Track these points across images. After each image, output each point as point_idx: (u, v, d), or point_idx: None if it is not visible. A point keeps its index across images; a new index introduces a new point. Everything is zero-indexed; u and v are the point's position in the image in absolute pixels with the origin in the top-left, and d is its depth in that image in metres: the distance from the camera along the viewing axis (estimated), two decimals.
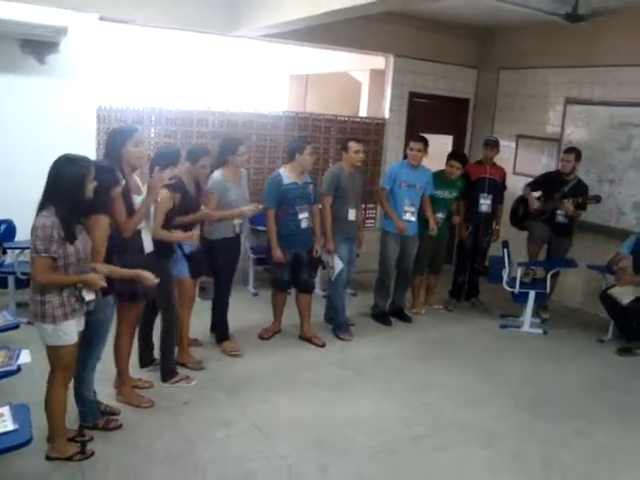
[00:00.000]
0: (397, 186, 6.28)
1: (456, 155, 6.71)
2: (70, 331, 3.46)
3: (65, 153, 3.45)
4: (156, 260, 4.31)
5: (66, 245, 3.34)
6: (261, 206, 5.29)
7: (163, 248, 4.46)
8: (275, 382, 4.95)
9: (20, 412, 2.91)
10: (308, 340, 5.87)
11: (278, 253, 5.50)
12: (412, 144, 6.32)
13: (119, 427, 4.07)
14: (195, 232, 4.80)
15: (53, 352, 3.50)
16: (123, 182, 3.85)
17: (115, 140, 4.13)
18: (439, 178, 6.62)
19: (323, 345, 5.81)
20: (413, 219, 6.34)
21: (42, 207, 3.35)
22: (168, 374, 4.79)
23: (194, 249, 4.87)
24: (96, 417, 4.06)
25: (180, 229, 4.75)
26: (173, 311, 4.70)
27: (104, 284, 3.50)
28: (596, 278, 6.72)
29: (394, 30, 7.79)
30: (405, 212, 6.28)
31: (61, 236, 3.31)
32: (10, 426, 2.78)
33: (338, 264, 5.88)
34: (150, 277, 3.90)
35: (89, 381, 4.01)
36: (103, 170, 3.59)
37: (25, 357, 3.41)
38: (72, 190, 3.35)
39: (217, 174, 5.12)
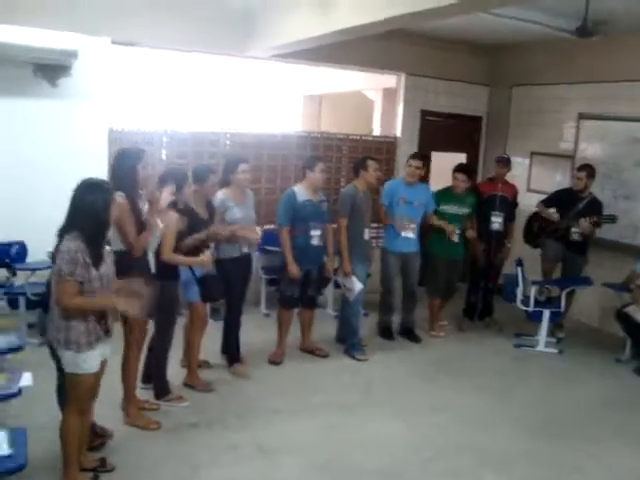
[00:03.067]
0: (395, 203, 6.25)
1: (460, 168, 6.60)
2: (91, 360, 3.40)
3: (87, 178, 3.42)
4: (161, 282, 4.33)
5: (90, 270, 3.30)
6: (259, 230, 5.26)
7: (169, 271, 4.47)
8: (285, 405, 4.89)
9: (17, 436, 2.89)
10: (310, 352, 5.95)
11: (294, 269, 5.47)
12: (411, 161, 6.32)
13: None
14: (207, 254, 4.80)
15: (70, 380, 3.45)
16: (120, 200, 3.83)
17: (124, 162, 4.17)
18: (447, 194, 6.57)
19: (325, 356, 5.91)
20: (412, 235, 6.29)
21: (65, 231, 3.32)
22: (161, 392, 4.78)
23: (205, 273, 4.88)
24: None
25: (190, 252, 4.78)
26: (169, 332, 4.69)
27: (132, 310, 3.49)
28: (612, 296, 6.61)
29: (405, 49, 7.79)
30: (404, 229, 6.25)
31: (86, 261, 3.28)
32: (5, 450, 2.76)
33: (357, 285, 5.83)
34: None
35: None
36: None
37: (27, 380, 3.39)
38: (98, 215, 3.33)
39: (219, 193, 5.13)
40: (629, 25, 6.35)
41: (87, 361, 3.38)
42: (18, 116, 5.93)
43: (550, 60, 7.74)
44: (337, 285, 6.88)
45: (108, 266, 3.48)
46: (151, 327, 4.59)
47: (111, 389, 4.30)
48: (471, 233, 6.62)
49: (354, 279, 5.82)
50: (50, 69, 5.90)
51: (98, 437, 4.08)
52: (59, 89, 6.04)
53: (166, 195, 4.26)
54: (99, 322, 3.41)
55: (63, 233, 3.33)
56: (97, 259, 3.35)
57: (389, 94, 8.74)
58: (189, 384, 5.05)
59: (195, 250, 4.78)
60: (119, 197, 3.99)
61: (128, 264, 3.98)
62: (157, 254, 4.45)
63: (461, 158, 8.43)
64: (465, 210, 6.56)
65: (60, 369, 3.55)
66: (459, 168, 6.60)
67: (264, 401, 4.93)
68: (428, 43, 7.87)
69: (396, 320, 6.68)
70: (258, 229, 5.26)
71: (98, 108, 6.28)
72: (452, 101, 8.43)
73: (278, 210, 5.58)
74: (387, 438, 4.48)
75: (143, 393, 4.74)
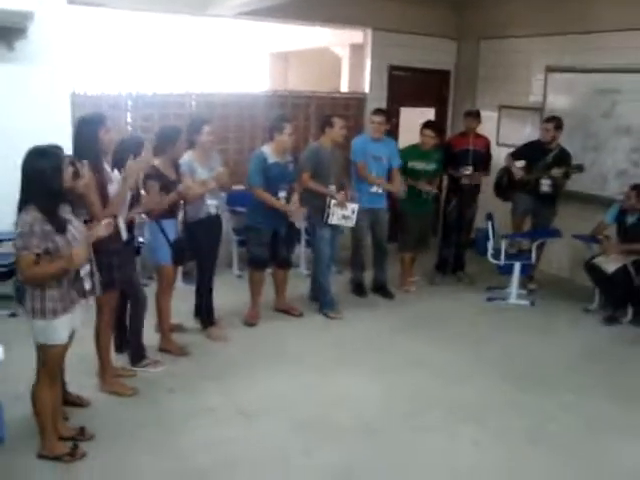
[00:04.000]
0: (366, 160, 6.24)
1: (428, 124, 6.61)
2: (62, 329, 3.39)
3: (34, 146, 3.35)
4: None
5: (56, 238, 3.26)
6: (222, 169, 5.15)
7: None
8: (261, 365, 4.91)
9: None
10: (285, 312, 5.98)
11: (295, 209, 5.51)
12: (373, 117, 6.35)
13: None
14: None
15: (42, 350, 3.44)
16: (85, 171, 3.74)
17: (87, 128, 4.07)
18: (415, 150, 6.58)
19: (300, 315, 5.94)
20: (380, 191, 6.33)
21: (23, 205, 3.27)
22: (136, 357, 4.77)
23: (178, 236, 4.84)
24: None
25: (164, 215, 4.76)
26: (141, 295, 4.66)
27: (86, 253, 3.41)
28: (582, 247, 6.69)
29: (372, 3, 7.67)
30: (372, 185, 6.27)
31: (46, 230, 3.23)
32: None
33: (353, 206, 5.86)
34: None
35: None
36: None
37: None
38: (48, 182, 3.27)
39: (185, 156, 5.04)
40: None
41: (57, 331, 3.37)
42: None
43: (517, 12, 7.67)
44: (308, 244, 6.89)
45: (79, 230, 3.45)
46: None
47: (86, 357, 4.29)
48: (428, 187, 6.53)
49: (350, 204, 5.84)
50: (5, 32, 5.67)
51: (75, 406, 4.08)
52: (16, 53, 5.81)
53: (135, 164, 4.20)
54: (73, 286, 3.39)
55: (21, 206, 3.28)
56: (60, 225, 3.31)
57: (356, 50, 8.63)
58: (164, 349, 5.04)
59: (169, 213, 4.78)
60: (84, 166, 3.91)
61: None
62: None
63: (430, 113, 8.42)
64: (433, 166, 6.58)
65: None
66: (427, 125, 6.59)
67: (240, 363, 4.94)
68: None
69: (369, 277, 6.71)
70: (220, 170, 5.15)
71: (58, 71, 6.06)
72: (420, 56, 8.31)
73: (250, 171, 5.51)
74: (364, 395, 4.53)
75: (118, 359, 4.72)
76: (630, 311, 6.05)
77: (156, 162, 4.74)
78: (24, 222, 3.21)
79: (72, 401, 4.14)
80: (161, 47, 9.69)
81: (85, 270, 3.49)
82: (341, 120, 5.90)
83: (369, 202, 6.24)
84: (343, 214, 5.87)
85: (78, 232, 3.44)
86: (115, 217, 4.07)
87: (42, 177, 3.26)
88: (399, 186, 6.39)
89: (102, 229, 3.59)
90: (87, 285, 3.52)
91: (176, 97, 6.87)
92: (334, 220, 5.86)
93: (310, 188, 5.78)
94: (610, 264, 5.94)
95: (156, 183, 4.64)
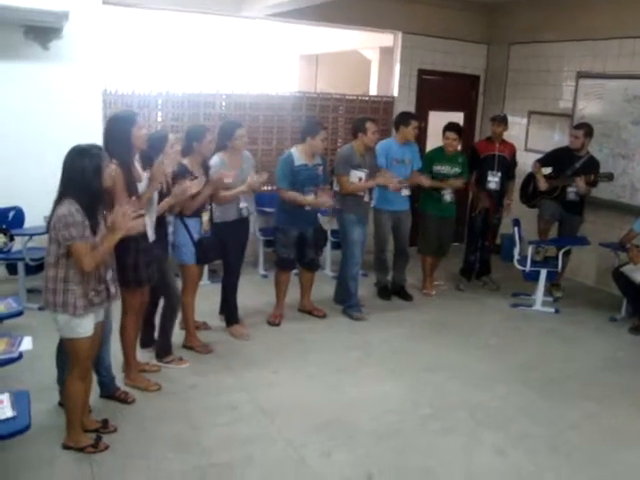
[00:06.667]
0: (389, 163, 6.24)
1: (450, 126, 6.57)
2: (85, 324, 3.43)
3: (76, 144, 3.40)
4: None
5: (87, 231, 3.32)
6: (265, 175, 5.18)
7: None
8: (283, 365, 4.94)
9: (20, 399, 2.94)
10: (309, 313, 6.02)
11: (321, 199, 5.50)
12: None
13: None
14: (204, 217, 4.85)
15: (68, 345, 3.51)
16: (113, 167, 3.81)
17: (121, 126, 4.07)
18: (439, 154, 6.59)
19: (324, 316, 5.98)
20: (406, 193, 6.34)
21: (61, 199, 3.32)
22: (162, 353, 4.84)
23: (203, 235, 4.89)
24: None
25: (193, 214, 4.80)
26: (173, 293, 4.72)
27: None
28: (609, 256, 6.63)
29: (402, 7, 7.69)
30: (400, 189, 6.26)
31: (84, 221, 3.29)
32: (9, 413, 2.81)
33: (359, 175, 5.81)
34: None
35: None
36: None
37: (27, 344, 3.42)
38: (89, 182, 3.32)
39: (215, 158, 5.07)
40: None
41: (81, 325, 3.41)
42: (10, 80, 5.87)
43: (548, 17, 7.64)
44: (334, 246, 6.93)
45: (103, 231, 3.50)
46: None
47: (112, 352, 4.35)
48: (459, 183, 6.60)
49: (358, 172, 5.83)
50: (41, 31, 5.81)
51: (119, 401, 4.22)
52: (51, 52, 5.96)
53: (161, 165, 4.26)
54: (98, 286, 3.43)
55: (59, 200, 3.33)
56: (94, 226, 3.37)
57: (386, 53, 8.65)
58: (188, 346, 5.11)
59: (196, 211, 4.82)
60: (113, 165, 3.97)
61: None
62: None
63: (459, 118, 8.40)
64: (456, 170, 6.57)
65: None
66: (450, 127, 6.57)
67: (263, 362, 4.98)
68: (425, 1, 7.76)
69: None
70: (265, 174, 5.18)
71: (91, 70, 6.21)
72: (450, 60, 8.33)
73: (277, 173, 5.55)
74: (385, 397, 4.54)
75: (144, 355, 4.80)
76: None
77: (185, 161, 4.80)
78: (66, 213, 3.25)
79: (118, 396, 4.24)
80: (192, 47, 9.79)
81: (110, 274, 3.55)
82: (373, 124, 5.88)
83: (392, 205, 6.26)
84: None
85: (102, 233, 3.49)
86: (142, 216, 4.14)
87: (82, 176, 3.31)
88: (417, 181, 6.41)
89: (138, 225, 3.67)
90: (113, 289, 3.58)
91: (206, 97, 6.94)
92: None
93: (350, 192, 5.81)
94: (638, 273, 5.87)
95: (184, 181, 4.69)
